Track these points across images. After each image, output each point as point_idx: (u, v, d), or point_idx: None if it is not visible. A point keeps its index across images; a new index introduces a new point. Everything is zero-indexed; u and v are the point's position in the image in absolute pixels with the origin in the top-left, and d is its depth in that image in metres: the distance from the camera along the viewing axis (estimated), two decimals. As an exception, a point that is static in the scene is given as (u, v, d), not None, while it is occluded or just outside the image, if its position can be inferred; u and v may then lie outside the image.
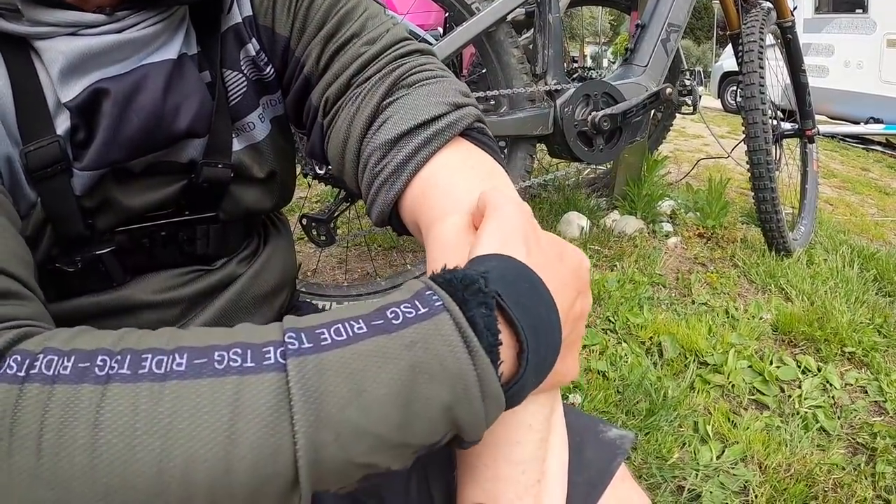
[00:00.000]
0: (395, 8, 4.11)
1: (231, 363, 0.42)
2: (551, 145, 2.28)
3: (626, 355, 1.96)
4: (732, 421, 1.72)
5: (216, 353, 0.43)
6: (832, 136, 8.74)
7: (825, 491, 1.51)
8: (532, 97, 2.14)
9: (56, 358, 0.42)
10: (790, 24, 2.89)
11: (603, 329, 2.13)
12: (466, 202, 0.65)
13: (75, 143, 0.68)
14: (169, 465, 0.40)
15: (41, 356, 0.42)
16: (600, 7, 3.30)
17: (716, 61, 11.72)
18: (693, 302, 2.40)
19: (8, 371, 0.41)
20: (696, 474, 1.51)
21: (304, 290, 1.89)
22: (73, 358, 0.42)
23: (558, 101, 2.16)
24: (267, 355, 0.42)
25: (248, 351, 0.43)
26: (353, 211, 2.14)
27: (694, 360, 1.97)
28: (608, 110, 2.20)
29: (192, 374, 0.42)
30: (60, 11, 0.65)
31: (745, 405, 1.81)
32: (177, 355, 0.43)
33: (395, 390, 0.42)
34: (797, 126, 3.13)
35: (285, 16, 0.79)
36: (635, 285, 2.40)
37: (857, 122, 9.03)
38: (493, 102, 2.14)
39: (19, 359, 0.42)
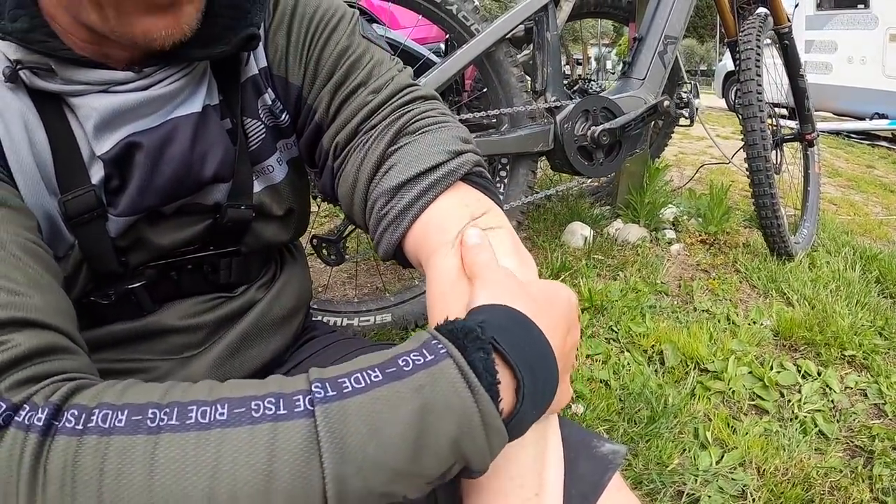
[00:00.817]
0: (397, 21, 4.14)
1: (266, 411, 0.49)
2: (553, 160, 2.33)
3: (628, 364, 1.99)
4: (732, 426, 1.75)
5: (253, 403, 0.50)
6: (837, 132, 8.73)
7: (822, 494, 1.53)
8: (532, 114, 2.19)
9: (110, 412, 0.48)
10: (787, 29, 2.91)
11: (606, 338, 2.16)
12: (456, 234, 0.73)
13: (109, 190, 0.74)
14: (218, 497, 0.47)
15: (97, 410, 0.48)
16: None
17: (719, 60, 11.72)
18: (695, 309, 2.42)
19: (67, 424, 0.47)
20: (696, 479, 1.54)
21: (315, 306, 1.94)
22: (126, 411, 0.49)
23: (558, 118, 2.20)
24: (297, 403, 0.49)
25: (281, 399, 0.50)
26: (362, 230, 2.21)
27: (695, 368, 2.00)
28: (607, 125, 2.24)
29: (233, 422, 0.48)
30: (92, 70, 0.71)
31: (744, 411, 1.84)
32: (218, 405, 0.49)
33: (407, 429, 0.49)
34: (797, 130, 3.15)
35: (297, 67, 0.85)
36: (638, 294, 2.43)
37: (861, 118, 9.01)
38: (494, 121, 2.19)
39: (76, 413, 0.48)
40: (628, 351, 2.09)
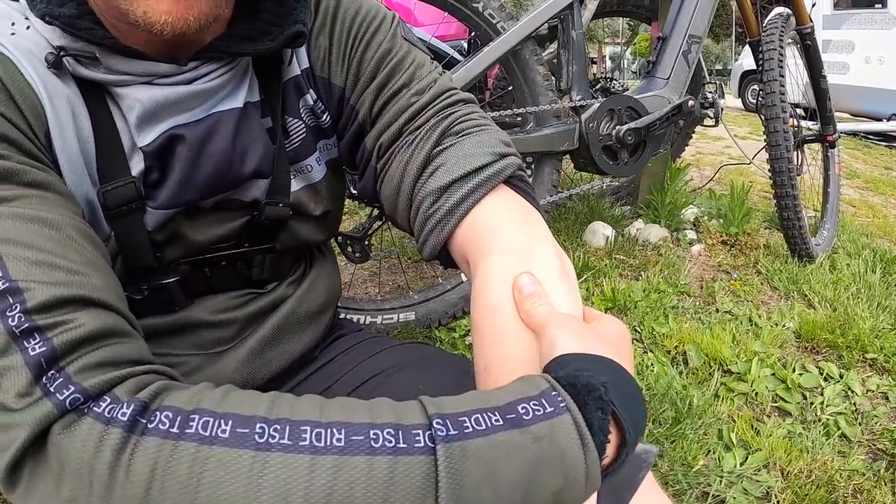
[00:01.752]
0: (416, 19, 4.14)
1: (386, 442, 0.49)
2: (577, 159, 2.33)
3: (652, 364, 2.00)
4: (756, 428, 1.75)
5: (371, 431, 0.50)
6: (854, 133, 8.68)
7: (845, 497, 1.54)
8: (557, 113, 2.19)
9: (212, 420, 0.49)
10: (809, 30, 2.90)
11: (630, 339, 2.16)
12: (507, 242, 0.74)
13: (148, 183, 0.75)
14: (339, 493, 0.47)
15: (195, 416, 0.49)
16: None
17: (735, 60, 11.72)
18: (717, 310, 2.43)
19: (160, 426, 0.48)
20: (721, 481, 1.55)
21: (339, 304, 1.95)
22: (230, 422, 0.49)
23: (583, 117, 2.20)
24: (417, 438, 0.50)
25: (400, 432, 0.50)
26: (385, 226, 2.22)
27: (718, 369, 2.00)
28: (632, 124, 2.24)
29: (351, 451, 0.49)
30: (136, 61, 0.71)
31: (768, 412, 1.85)
32: (334, 430, 0.50)
33: (521, 477, 0.51)
34: (818, 131, 3.15)
35: (340, 68, 0.86)
36: (660, 295, 2.44)
37: (879, 119, 8.98)
38: (519, 119, 2.20)
39: (171, 415, 0.49)
40: (652, 351, 2.10)
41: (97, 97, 0.72)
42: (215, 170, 0.77)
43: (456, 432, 0.50)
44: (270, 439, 0.48)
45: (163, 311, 0.84)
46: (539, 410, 0.53)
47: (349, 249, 1.89)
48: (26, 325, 0.50)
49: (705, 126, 2.63)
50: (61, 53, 0.68)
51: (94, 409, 0.48)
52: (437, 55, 2.48)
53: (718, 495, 1.51)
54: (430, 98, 0.86)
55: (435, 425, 0.51)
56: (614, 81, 2.75)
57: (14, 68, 0.65)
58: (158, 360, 0.81)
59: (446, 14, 2.05)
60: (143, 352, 0.58)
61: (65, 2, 0.68)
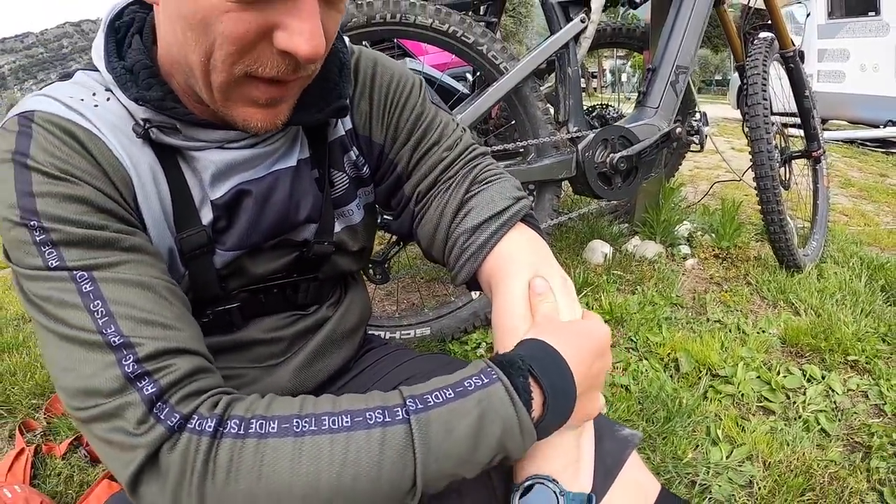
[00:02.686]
0: (421, 48, 4.31)
1: (377, 419, 0.70)
2: (575, 185, 2.50)
3: (646, 370, 2.15)
4: (741, 425, 1.88)
5: (367, 413, 0.71)
6: (851, 141, 8.78)
7: (822, 483, 1.64)
8: (556, 144, 2.36)
9: (264, 422, 0.69)
10: (791, 53, 3.07)
11: (626, 348, 2.33)
12: (524, 268, 0.95)
13: (216, 230, 0.92)
14: (345, 478, 0.67)
15: (253, 421, 0.69)
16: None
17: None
18: (707, 319, 2.56)
19: (231, 431, 0.68)
20: (708, 471, 1.68)
21: (364, 322, 2.15)
22: (276, 421, 0.69)
23: (580, 146, 2.38)
24: (397, 413, 0.71)
25: (385, 410, 0.71)
26: (402, 251, 2.41)
27: (707, 373, 2.14)
28: (624, 152, 2.41)
29: (355, 427, 0.70)
30: (211, 131, 0.87)
31: (752, 411, 1.97)
32: (343, 416, 0.71)
33: (470, 430, 0.71)
34: (804, 147, 3.29)
35: (379, 128, 1.06)
36: (655, 307, 2.59)
37: (876, 126, 9.04)
38: (522, 151, 2.38)
39: (237, 422, 0.69)
40: (646, 359, 2.24)
41: (171, 159, 0.87)
42: (276, 218, 0.96)
43: (422, 406, 0.71)
44: (304, 428, 0.69)
45: (224, 331, 1.01)
46: (479, 382, 0.73)
47: (371, 272, 2.08)
48: (139, 371, 0.68)
49: (692, 151, 2.80)
50: (147, 126, 0.83)
51: (188, 425, 0.68)
52: (448, 92, 2.69)
53: (705, 484, 1.64)
54: (458, 153, 1.07)
55: (408, 403, 0.71)
56: (610, 108, 2.95)
57: (103, 144, 0.79)
58: (223, 374, 1.01)
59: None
60: (217, 379, 0.78)
61: (151, 86, 0.83)
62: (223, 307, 0.99)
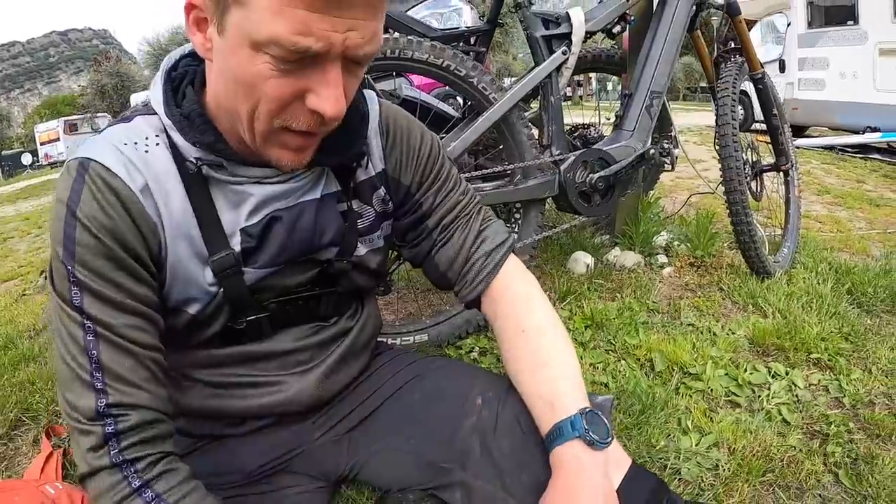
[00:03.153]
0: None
1: None
2: (558, 203, 2.73)
3: (623, 370, 2.32)
4: (709, 416, 2.03)
5: None
6: (831, 147, 8.96)
7: (781, 465, 1.77)
8: (540, 166, 2.57)
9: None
10: (760, 75, 3.28)
11: (605, 350, 2.50)
12: (520, 285, 1.29)
13: (246, 252, 1.12)
14: None
15: (161, 502, 0.95)
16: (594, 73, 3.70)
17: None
18: (681, 323, 2.72)
19: (144, 496, 0.95)
20: (678, 456, 1.83)
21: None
22: None
23: (562, 168, 2.59)
24: None
25: None
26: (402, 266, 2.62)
27: (679, 371, 2.30)
28: (602, 172, 2.63)
29: None
30: (251, 168, 1.09)
31: (720, 404, 2.13)
32: None
33: None
34: (773, 162, 3.49)
35: (408, 172, 1.30)
36: (632, 313, 2.75)
37: (855, 132, 9.29)
38: (509, 173, 2.57)
39: (152, 495, 0.95)
40: (624, 359, 2.41)
41: (203, 193, 1.08)
42: (303, 241, 1.17)
43: None
44: None
45: (256, 338, 1.22)
46: None
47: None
48: (106, 412, 0.95)
49: (664, 170, 3.01)
50: (199, 164, 1.05)
51: (123, 471, 0.95)
52: (443, 119, 2.89)
53: (676, 467, 1.80)
54: (469, 198, 1.36)
55: None
56: (591, 128, 3.16)
57: (141, 206, 0.99)
58: (255, 380, 1.23)
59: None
60: (163, 429, 1.02)
61: (205, 131, 1.04)
62: (254, 316, 1.19)
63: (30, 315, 3.60)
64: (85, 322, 0.96)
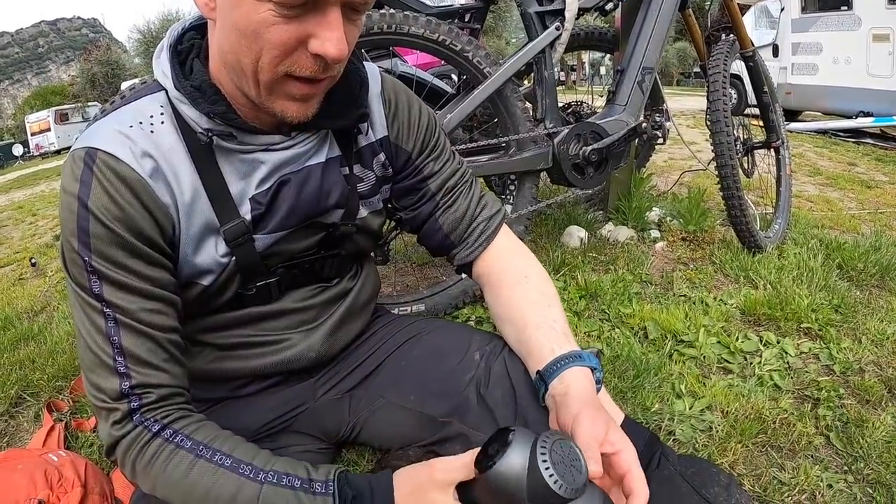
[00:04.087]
0: (406, 51, 4.52)
1: (244, 472, 0.98)
2: (552, 175, 2.77)
3: (617, 337, 2.35)
4: (702, 382, 2.07)
5: (242, 464, 0.99)
6: (824, 132, 9.01)
7: (773, 427, 1.82)
8: (535, 139, 2.61)
9: (184, 438, 1.01)
10: (751, 53, 3.32)
11: (599, 319, 2.54)
12: (512, 243, 1.37)
13: (255, 219, 1.15)
14: (213, 494, 0.97)
15: (179, 434, 1.02)
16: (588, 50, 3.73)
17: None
18: (674, 294, 2.76)
19: (163, 435, 1.02)
20: (672, 419, 1.87)
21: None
22: (191, 441, 1.01)
23: (555, 141, 2.63)
24: (258, 476, 1.00)
25: (254, 470, 0.99)
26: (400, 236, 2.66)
27: (672, 339, 2.35)
28: (595, 145, 2.67)
29: (231, 469, 0.99)
30: (259, 136, 1.12)
31: (713, 370, 2.17)
32: (228, 458, 1.00)
33: None
34: (764, 139, 3.53)
35: (409, 140, 1.33)
36: (626, 284, 2.79)
37: (848, 117, 9.31)
38: (504, 145, 2.62)
39: (171, 432, 1.02)
40: (618, 328, 2.45)
41: (211, 164, 1.10)
42: (310, 203, 1.20)
43: (275, 481, 0.98)
44: (202, 453, 1.01)
45: (264, 301, 1.25)
46: (320, 489, 0.98)
47: (373, 253, 2.31)
48: (129, 392, 1.00)
49: (656, 144, 3.05)
50: (210, 135, 1.07)
51: (144, 424, 1.01)
52: (438, 94, 2.92)
53: (670, 429, 1.84)
54: (464, 168, 1.41)
55: (268, 472, 0.99)
56: (584, 104, 3.20)
57: (151, 190, 1.02)
58: (265, 339, 1.28)
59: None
60: (181, 400, 1.07)
61: (216, 101, 1.06)
62: (264, 281, 1.23)
63: (27, 297, 3.63)
64: (105, 310, 1.00)
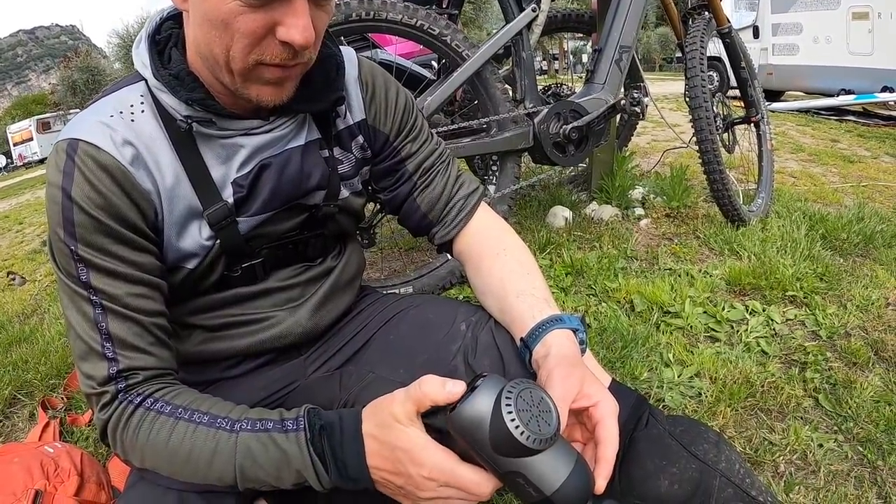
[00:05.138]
0: (385, 39, 4.54)
1: (221, 425, 0.98)
2: (533, 154, 2.79)
3: (605, 311, 2.38)
4: (690, 350, 2.11)
5: (219, 419, 0.99)
6: (806, 111, 9.04)
7: (762, 391, 1.85)
8: (515, 119, 2.62)
9: (164, 404, 1.01)
10: (727, 29, 3.36)
11: (586, 294, 2.58)
12: (493, 219, 1.37)
13: (238, 203, 1.15)
14: (192, 458, 0.97)
15: (159, 401, 1.02)
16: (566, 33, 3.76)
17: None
18: (659, 268, 2.80)
19: (145, 404, 1.01)
20: (661, 387, 1.91)
21: (354, 285, 2.40)
22: (170, 406, 1.01)
23: (535, 120, 2.65)
24: (234, 427, 0.99)
25: (229, 422, 0.99)
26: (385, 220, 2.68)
27: (658, 310, 2.37)
28: (575, 123, 2.70)
29: (208, 425, 0.99)
30: (238, 121, 1.12)
31: (700, 340, 2.21)
32: (206, 415, 1.00)
33: (273, 464, 0.97)
34: (744, 114, 3.57)
35: (386, 122, 1.34)
36: (611, 260, 2.82)
37: (830, 95, 9.33)
38: (485, 126, 2.63)
39: (151, 400, 1.02)
40: (604, 302, 2.48)
41: (191, 149, 1.11)
42: (291, 185, 1.20)
43: (250, 428, 0.98)
44: (180, 415, 1.00)
45: (250, 282, 1.26)
46: (292, 426, 0.97)
47: (359, 236, 2.33)
48: (117, 376, 1.01)
49: (637, 121, 3.07)
50: (190, 121, 1.07)
51: (127, 398, 1.01)
52: (417, 79, 2.94)
53: (660, 396, 1.87)
54: (442, 148, 1.42)
55: (243, 421, 0.99)
56: (563, 87, 3.22)
57: (132, 178, 1.03)
58: (251, 317, 1.28)
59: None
60: (171, 381, 1.08)
61: (194, 88, 1.06)
62: (249, 263, 1.24)
63: (17, 302, 3.64)
64: (92, 297, 1.02)
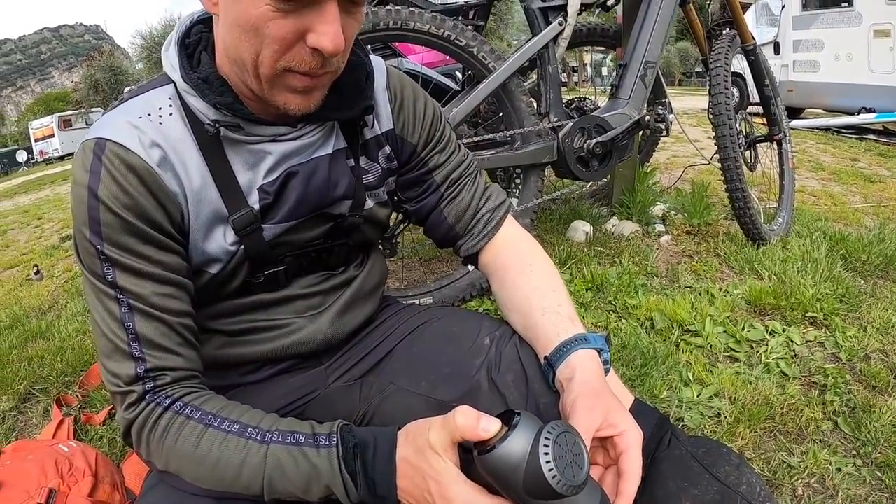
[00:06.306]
0: (409, 49, 4.55)
1: (251, 436, 0.99)
2: (557, 168, 2.79)
3: (625, 328, 2.38)
4: (709, 370, 2.10)
5: (249, 429, 0.99)
6: (826, 128, 8.97)
7: (781, 412, 1.85)
8: (539, 133, 2.63)
9: (193, 409, 1.01)
10: (752, 47, 3.35)
11: (606, 310, 2.57)
12: (519, 231, 1.36)
13: (264, 209, 1.16)
14: (218, 467, 0.98)
15: (189, 406, 1.02)
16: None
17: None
18: (679, 286, 2.79)
19: (174, 408, 1.01)
20: (681, 406, 1.90)
21: (375, 294, 2.41)
22: (200, 412, 1.01)
23: (560, 134, 2.66)
24: (264, 438, 0.99)
25: (260, 432, 0.99)
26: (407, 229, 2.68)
27: (678, 329, 2.37)
28: (599, 138, 2.70)
29: (238, 435, 0.99)
30: (266, 127, 1.12)
31: (720, 359, 2.20)
32: (236, 423, 1.00)
33: (303, 478, 0.97)
34: (767, 132, 3.55)
35: (414, 133, 1.34)
36: (631, 276, 2.82)
37: (850, 113, 9.25)
38: (509, 139, 2.64)
39: (180, 405, 1.02)
40: (625, 319, 2.47)
41: (219, 154, 1.11)
42: (318, 194, 1.20)
43: (281, 440, 0.99)
44: (210, 423, 1.00)
45: (272, 289, 1.26)
46: (324, 441, 0.98)
47: (380, 246, 2.33)
48: (144, 376, 1.02)
49: (659, 136, 3.07)
50: (218, 126, 1.07)
51: (156, 400, 1.02)
52: (442, 90, 2.95)
53: (679, 416, 1.87)
54: (470, 158, 1.42)
55: (273, 432, 0.99)
56: (587, 101, 3.22)
57: (160, 179, 1.03)
58: (272, 324, 1.28)
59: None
60: (198, 383, 1.09)
61: (223, 93, 1.07)
62: (272, 270, 1.24)
63: (34, 297, 3.67)
64: (118, 296, 1.02)
